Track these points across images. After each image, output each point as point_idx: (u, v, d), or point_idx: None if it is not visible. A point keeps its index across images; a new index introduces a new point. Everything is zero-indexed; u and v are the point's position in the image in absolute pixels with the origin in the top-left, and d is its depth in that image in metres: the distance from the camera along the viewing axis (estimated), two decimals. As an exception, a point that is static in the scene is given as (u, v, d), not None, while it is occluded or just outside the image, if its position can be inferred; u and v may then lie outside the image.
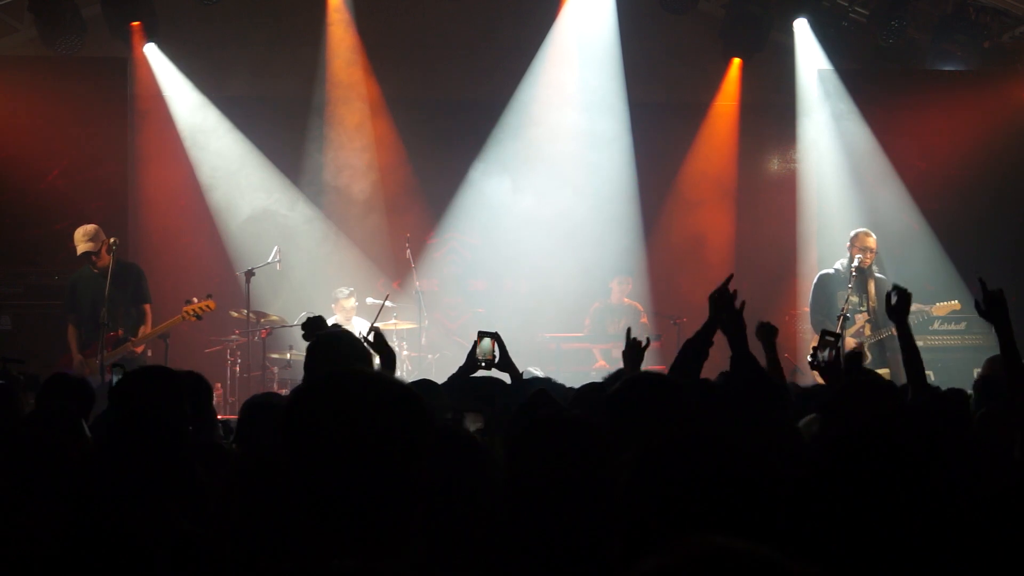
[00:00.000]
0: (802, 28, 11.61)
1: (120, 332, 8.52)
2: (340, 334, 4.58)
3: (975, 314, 4.28)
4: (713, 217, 12.53)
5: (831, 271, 9.49)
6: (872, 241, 9.28)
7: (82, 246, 8.52)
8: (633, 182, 12.15)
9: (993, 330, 4.15)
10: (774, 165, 12.65)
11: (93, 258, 8.54)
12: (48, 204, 10.97)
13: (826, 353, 4.97)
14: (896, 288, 4.61)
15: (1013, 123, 11.64)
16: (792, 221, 12.20)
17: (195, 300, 8.65)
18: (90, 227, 8.67)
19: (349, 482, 1.71)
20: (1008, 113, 11.64)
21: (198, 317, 8.75)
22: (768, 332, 5.16)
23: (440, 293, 12.11)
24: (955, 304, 9.43)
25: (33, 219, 11.00)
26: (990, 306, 4.09)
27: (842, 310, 8.75)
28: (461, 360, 4.99)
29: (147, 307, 8.73)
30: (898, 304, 4.56)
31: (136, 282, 8.69)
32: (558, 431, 2.52)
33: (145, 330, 8.63)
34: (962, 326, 9.97)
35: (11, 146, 10.94)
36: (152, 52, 11.37)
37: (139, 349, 8.56)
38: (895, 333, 4.60)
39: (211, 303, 8.73)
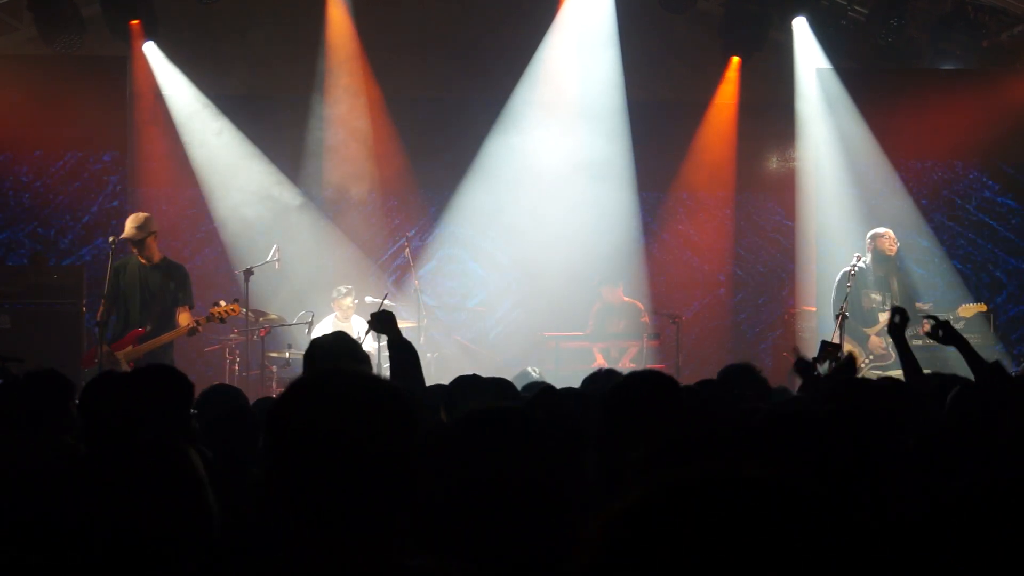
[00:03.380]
0: (801, 27, 11.61)
1: (145, 329, 8.45)
2: (336, 336, 4.59)
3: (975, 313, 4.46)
4: (712, 216, 12.54)
5: (852, 269, 9.46)
6: (887, 242, 9.31)
7: (128, 231, 8.46)
8: (632, 181, 12.16)
9: (992, 328, 4.31)
10: (773, 164, 12.66)
11: (133, 248, 8.47)
12: (47, 203, 10.98)
13: (826, 365, 4.99)
14: (896, 309, 4.84)
15: (1012, 122, 11.65)
16: (791, 220, 12.21)
17: (222, 303, 8.61)
18: (140, 215, 8.67)
19: (333, 482, 1.70)
20: (1007, 112, 11.65)
21: (222, 320, 8.72)
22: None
23: (440, 292, 12.12)
24: (982, 306, 9.46)
25: (32, 217, 11.00)
26: (946, 334, 4.68)
27: (841, 308, 8.76)
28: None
29: (187, 308, 8.65)
30: (901, 323, 4.77)
31: (181, 282, 8.63)
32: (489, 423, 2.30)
33: (179, 327, 8.52)
34: (960, 325, 9.96)
35: (10, 144, 10.95)
36: (151, 51, 11.37)
37: (124, 351, 8.37)
38: (920, 332, 5.02)
39: (236, 307, 8.72)
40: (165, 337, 8.44)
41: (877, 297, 9.06)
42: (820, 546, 1.04)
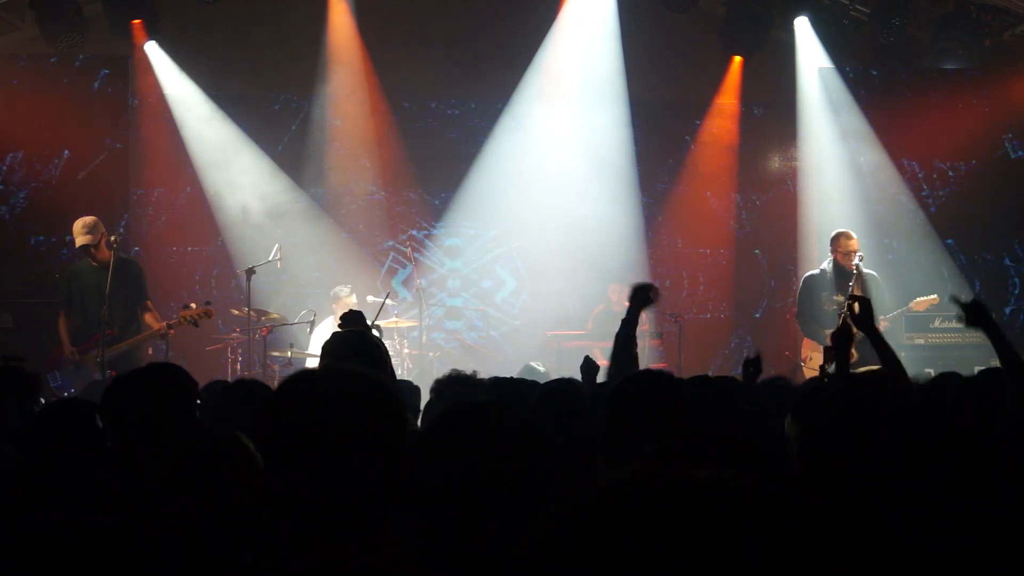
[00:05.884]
0: (803, 26, 11.61)
1: (114, 331, 8.41)
2: (353, 333, 4.57)
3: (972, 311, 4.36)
4: (714, 215, 12.53)
5: (816, 272, 9.44)
6: (854, 243, 9.09)
7: (80, 238, 8.40)
8: (634, 180, 12.17)
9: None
10: (775, 163, 12.65)
11: (92, 251, 8.43)
12: (49, 202, 10.99)
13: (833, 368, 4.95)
14: (852, 298, 4.64)
15: (1014, 121, 11.65)
16: (793, 219, 12.21)
17: (193, 306, 8.51)
18: (88, 219, 8.55)
19: (325, 476, 1.71)
20: (1009, 111, 11.65)
21: (195, 324, 8.58)
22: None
23: (442, 291, 12.12)
24: (933, 299, 9.33)
25: (34, 217, 11.01)
26: (975, 316, 4.33)
27: (844, 308, 8.74)
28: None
29: (149, 303, 8.65)
30: (862, 314, 4.54)
31: (136, 279, 8.60)
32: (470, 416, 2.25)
33: (152, 325, 8.50)
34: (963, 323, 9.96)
35: (12, 144, 10.96)
36: (153, 50, 11.38)
37: (125, 345, 8.36)
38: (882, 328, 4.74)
39: (210, 310, 8.58)
40: (135, 340, 8.40)
41: (839, 299, 9.00)
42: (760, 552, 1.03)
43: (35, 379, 4.91)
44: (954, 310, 9.95)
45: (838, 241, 9.16)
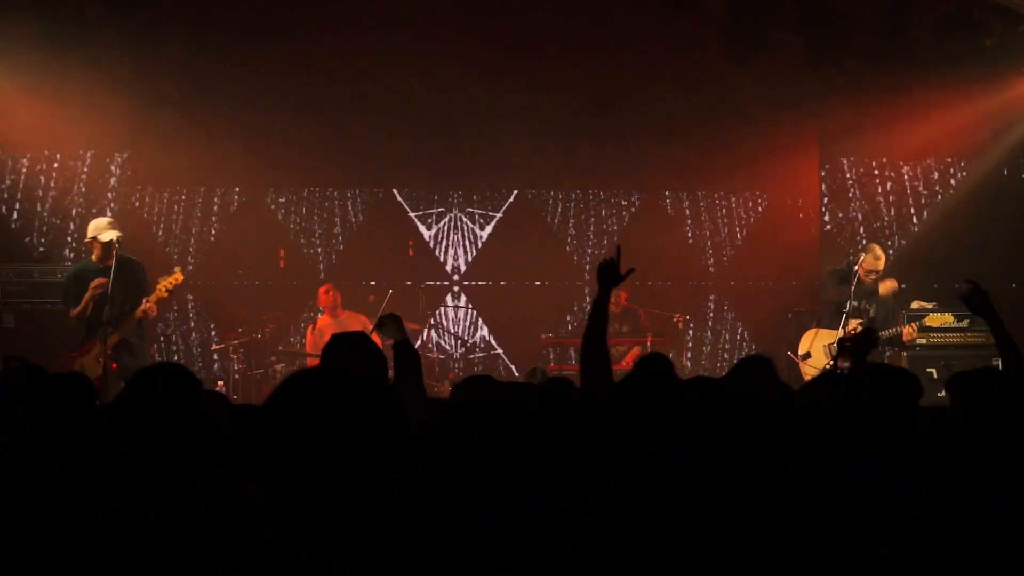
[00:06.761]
0: (804, 26, 11.59)
1: (118, 331, 8.39)
2: (356, 337, 4.55)
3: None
4: (716, 215, 12.54)
5: (840, 268, 9.40)
6: (881, 263, 9.13)
7: (107, 233, 8.29)
8: (636, 180, 12.18)
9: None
10: (777, 165, 12.65)
11: (107, 249, 8.37)
12: (51, 202, 11.01)
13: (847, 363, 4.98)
14: (866, 333, 4.73)
15: (1015, 122, 11.65)
16: (795, 219, 12.21)
17: (161, 279, 8.47)
18: (106, 218, 8.59)
19: (322, 477, 1.71)
20: (1011, 112, 11.65)
21: (170, 292, 8.53)
22: None
23: (442, 292, 12.14)
24: (948, 317, 9.36)
25: (36, 217, 11.03)
26: (977, 305, 4.39)
27: (863, 312, 8.75)
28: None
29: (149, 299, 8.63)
30: (855, 349, 4.64)
31: (140, 278, 8.59)
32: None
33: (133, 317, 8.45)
34: (964, 324, 9.95)
35: (12, 144, 10.97)
36: (155, 50, 11.36)
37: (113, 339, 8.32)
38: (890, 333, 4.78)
39: (179, 275, 8.54)
40: (123, 328, 8.36)
41: (855, 303, 9.00)
42: None
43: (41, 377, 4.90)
44: (955, 308, 9.99)
45: (864, 254, 9.14)
